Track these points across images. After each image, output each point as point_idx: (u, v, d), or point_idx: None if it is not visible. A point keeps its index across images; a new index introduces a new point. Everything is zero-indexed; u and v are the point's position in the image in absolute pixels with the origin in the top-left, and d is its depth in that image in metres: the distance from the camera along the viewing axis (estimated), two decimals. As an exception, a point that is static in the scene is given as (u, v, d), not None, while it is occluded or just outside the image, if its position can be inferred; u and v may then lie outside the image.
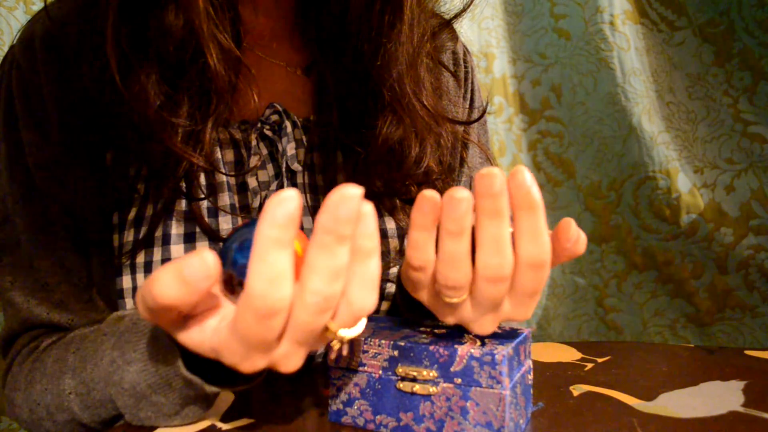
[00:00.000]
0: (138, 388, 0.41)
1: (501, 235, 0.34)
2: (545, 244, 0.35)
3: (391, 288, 0.57)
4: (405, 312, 0.49)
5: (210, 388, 0.41)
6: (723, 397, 0.46)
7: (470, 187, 0.66)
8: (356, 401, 0.41)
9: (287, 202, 0.28)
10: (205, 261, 0.29)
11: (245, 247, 0.32)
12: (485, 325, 0.38)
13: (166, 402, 0.41)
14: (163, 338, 0.40)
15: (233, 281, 0.33)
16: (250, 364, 0.32)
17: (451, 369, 0.38)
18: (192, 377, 0.40)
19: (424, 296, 0.39)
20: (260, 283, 0.29)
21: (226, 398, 0.47)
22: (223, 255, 0.33)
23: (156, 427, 0.42)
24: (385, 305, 0.57)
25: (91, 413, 0.45)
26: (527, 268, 0.35)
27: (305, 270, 0.30)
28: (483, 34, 1.18)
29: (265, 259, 0.28)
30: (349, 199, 0.29)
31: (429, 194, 0.35)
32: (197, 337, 0.34)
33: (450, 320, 0.39)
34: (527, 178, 0.34)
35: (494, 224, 0.34)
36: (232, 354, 0.32)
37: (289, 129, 0.54)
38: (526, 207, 0.34)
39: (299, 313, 0.30)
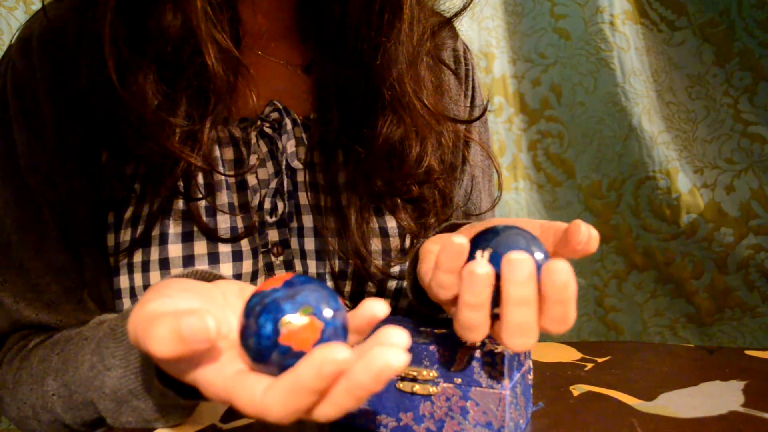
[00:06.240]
0: (119, 393, 0.41)
1: (528, 322, 0.32)
2: (571, 321, 0.33)
3: (391, 286, 0.57)
4: (418, 305, 0.48)
5: (184, 401, 0.40)
6: (723, 397, 0.46)
7: (470, 185, 0.65)
8: (355, 401, 0.41)
9: None
10: (206, 324, 0.27)
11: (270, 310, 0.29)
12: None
13: (146, 408, 0.41)
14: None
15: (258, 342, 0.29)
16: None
17: (451, 369, 0.38)
18: (165, 390, 0.39)
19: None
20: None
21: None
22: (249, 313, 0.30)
23: (150, 430, 0.42)
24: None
25: (73, 415, 0.45)
26: (552, 327, 0.33)
27: None
28: (483, 33, 1.18)
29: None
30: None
31: (458, 241, 0.33)
32: (189, 377, 0.31)
33: None
34: (565, 270, 0.31)
35: (521, 311, 0.32)
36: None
37: (289, 126, 0.54)
38: (559, 301, 0.32)
39: None
